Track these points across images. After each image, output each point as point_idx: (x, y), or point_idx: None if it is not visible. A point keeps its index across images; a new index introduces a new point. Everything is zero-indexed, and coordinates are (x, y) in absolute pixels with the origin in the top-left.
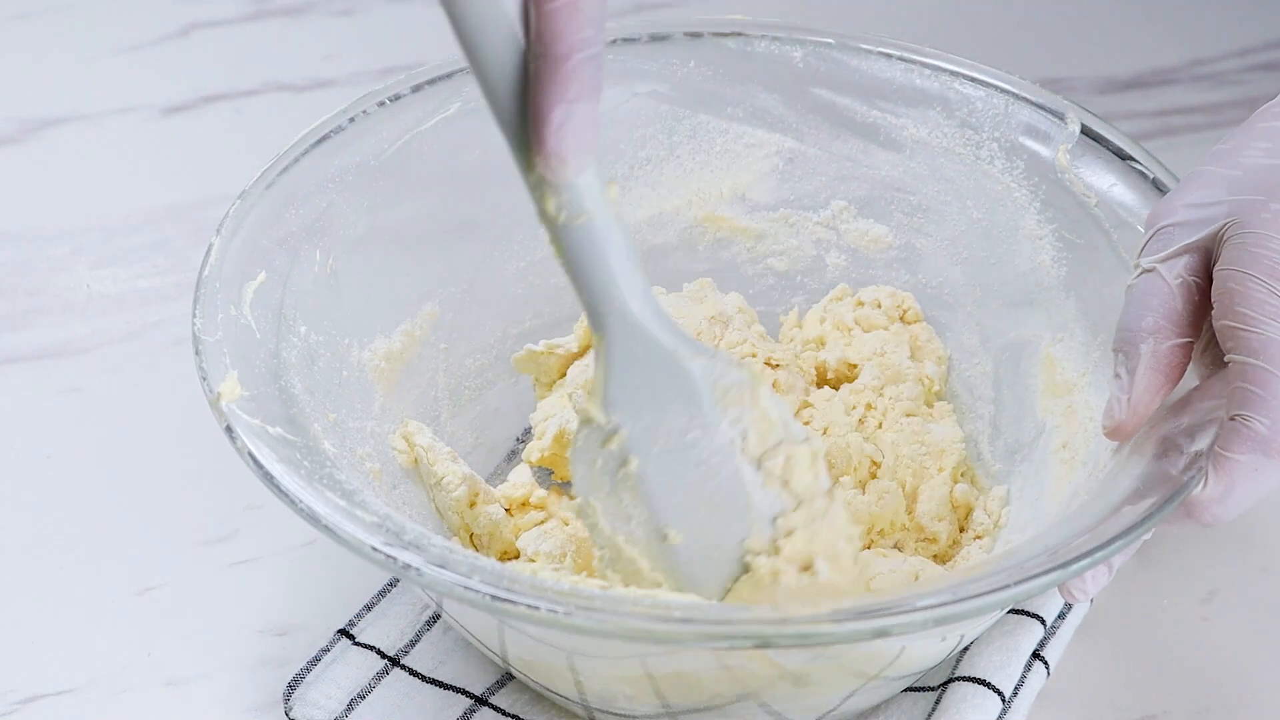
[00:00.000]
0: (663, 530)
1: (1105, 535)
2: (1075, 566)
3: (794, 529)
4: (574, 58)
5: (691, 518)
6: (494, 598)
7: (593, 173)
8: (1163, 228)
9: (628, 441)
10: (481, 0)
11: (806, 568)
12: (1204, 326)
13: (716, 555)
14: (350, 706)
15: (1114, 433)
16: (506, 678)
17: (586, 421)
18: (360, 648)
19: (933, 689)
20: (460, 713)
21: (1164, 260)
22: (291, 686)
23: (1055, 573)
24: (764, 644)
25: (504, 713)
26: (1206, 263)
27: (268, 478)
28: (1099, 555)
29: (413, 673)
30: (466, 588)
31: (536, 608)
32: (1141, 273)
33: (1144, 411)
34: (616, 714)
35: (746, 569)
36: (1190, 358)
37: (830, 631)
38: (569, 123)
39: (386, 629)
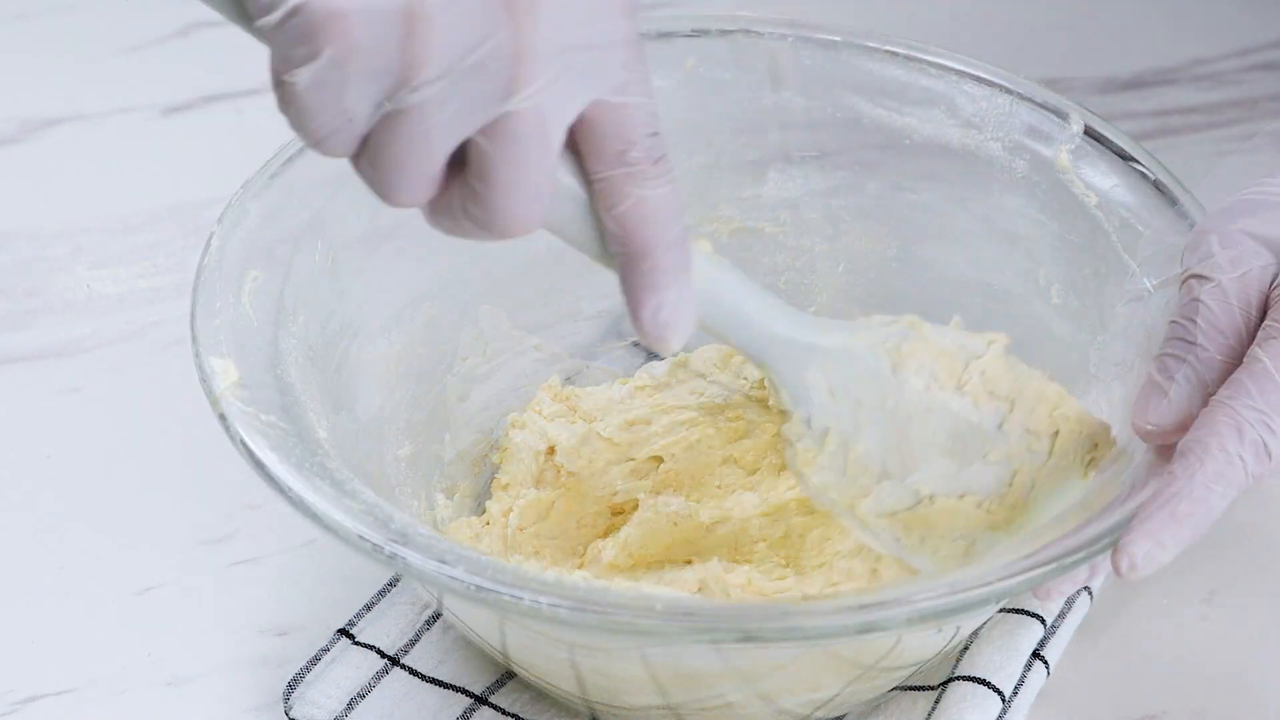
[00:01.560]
0: (914, 488)
1: (1092, 533)
2: (1072, 559)
3: (1015, 425)
4: (654, 253)
5: (933, 468)
6: (478, 588)
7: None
8: (1234, 239)
9: (839, 434)
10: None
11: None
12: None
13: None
14: (350, 706)
15: (1150, 435)
16: (506, 677)
17: (794, 438)
18: (360, 647)
19: (933, 688)
20: (460, 712)
21: (1239, 279)
22: (291, 686)
23: (1050, 567)
24: (748, 638)
25: (504, 712)
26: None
27: (259, 465)
28: (1083, 555)
29: (413, 672)
30: (451, 578)
31: (519, 599)
32: (1210, 285)
33: (1187, 425)
34: (618, 708)
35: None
36: None
37: (814, 625)
38: (661, 311)
39: (386, 628)
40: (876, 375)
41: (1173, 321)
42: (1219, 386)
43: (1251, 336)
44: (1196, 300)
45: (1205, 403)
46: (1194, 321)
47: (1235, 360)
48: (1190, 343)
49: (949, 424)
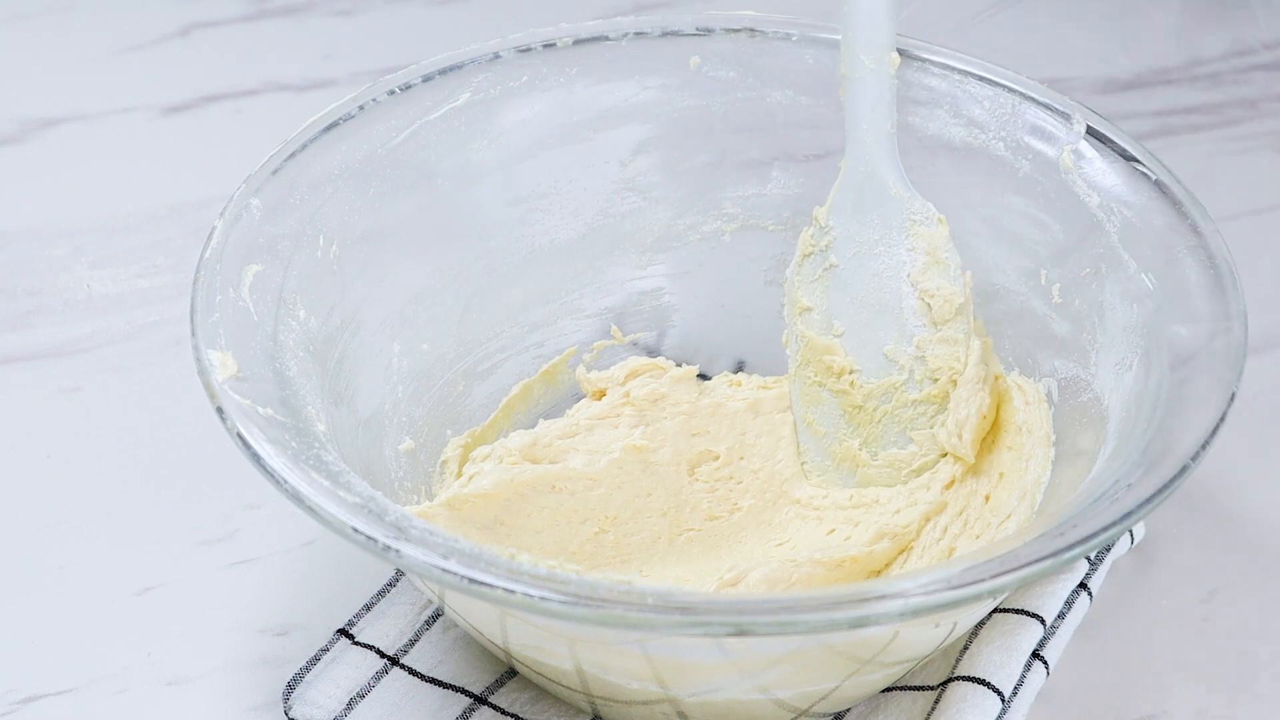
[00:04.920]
0: (831, 320)
1: (1095, 525)
2: (1069, 554)
3: (927, 351)
4: None
5: (856, 316)
6: (471, 580)
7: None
8: None
9: (834, 243)
10: None
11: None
12: None
13: (868, 351)
14: (350, 706)
15: None
16: (506, 676)
17: (814, 222)
18: (359, 647)
19: (932, 688)
20: (460, 711)
21: None
22: (291, 686)
23: (1046, 563)
24: (740, 632)
25: (503, 711)
26: None
27: (255, 457)
28: (1077, 551)
29: (412, 672)
30: (444, 570)
31: (512, 591)
32: None
33: None
34: (619, 702)
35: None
36: None
37: (806, 620)
38: None
39: (386, 628)
40: (888, 223)
41: None
42: None
43: None
44: None
45: None
46: None
47: None
48: None
49: (890, 300)
